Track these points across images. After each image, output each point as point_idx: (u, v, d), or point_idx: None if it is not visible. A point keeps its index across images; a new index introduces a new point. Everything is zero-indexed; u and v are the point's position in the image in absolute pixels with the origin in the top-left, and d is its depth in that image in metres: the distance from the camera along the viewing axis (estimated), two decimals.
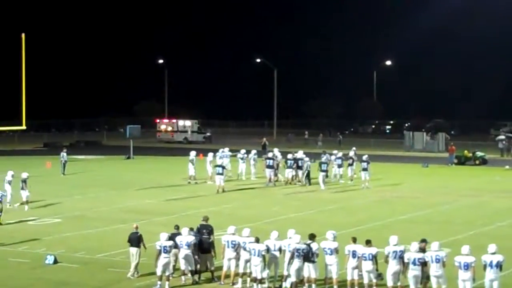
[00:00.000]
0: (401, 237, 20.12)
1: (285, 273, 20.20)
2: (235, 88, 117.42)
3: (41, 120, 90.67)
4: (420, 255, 19.13)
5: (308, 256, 19.82)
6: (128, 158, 59.72)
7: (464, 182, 46.05)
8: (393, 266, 19.29)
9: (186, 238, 20.93)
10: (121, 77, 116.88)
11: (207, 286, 21.00)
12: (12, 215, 31.28)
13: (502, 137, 67.83)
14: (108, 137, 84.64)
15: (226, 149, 46.18)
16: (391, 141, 79.08)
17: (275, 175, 43.00)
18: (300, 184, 42.37)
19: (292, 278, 19.96)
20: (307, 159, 43.26)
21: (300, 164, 42.71)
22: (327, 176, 41.86)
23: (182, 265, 21.09)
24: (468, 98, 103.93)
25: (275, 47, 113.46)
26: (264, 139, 64.29)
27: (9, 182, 34.23)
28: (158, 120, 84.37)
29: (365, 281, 19.73)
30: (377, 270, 19.70)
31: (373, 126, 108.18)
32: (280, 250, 20.42)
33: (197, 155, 45.30)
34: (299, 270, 19.91)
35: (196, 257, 21.17)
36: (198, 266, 21.32)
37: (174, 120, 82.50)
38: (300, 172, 42.67)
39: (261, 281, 20.22)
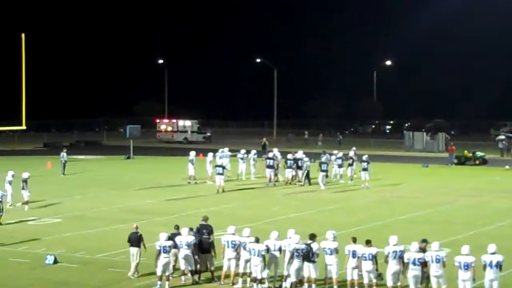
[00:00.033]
0: (401, 237, 20.13)
1: (285, 273, 20.21)
2: (235, 88, 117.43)
3: (41, 120, 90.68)
4: (420, 255, 19.13)
5: (308, 256, 19.83)
6: (128, 158, 59.72)
7: (464, 182, 46.05)
8: (393, 266, 19.30)
9: (186, 238, 20.93)
10: (121, 77, 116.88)
11: (207, 286, 21.00)
12: (12, 215, 31.28)
13: (502, 137, 67.84)
14: (108, 137, 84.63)
15: (226, 149, 46.18)
16: (391, 141, 79.08)
17: (275, 175, 43.01)
18: (299, 184, 42.38)
19: (292, 278, 19.97)
20: (306, 159, 43.28)
21: (300, 164, 42.74)
22: (327, 176, 41.87)
23: (182, 265, 21.09)
24: (468, 98, 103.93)
25: (275, 47, 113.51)
26: (264, 139, 64.30)
27: (10, 182, 34.24)
28: (158, 120, 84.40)
29: (365, 281, 19.73)
30: (377, 270, 19.71)
31: (373, 126, 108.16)
32: (280, 250, 20.43)
33: (197, 155, 45.33)
34: (299, 270, 19.92)
35: (196, 257, 21.17)
36: (198, 266, 21.32)
37: (174, 120, 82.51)
38: (300, 172, 42.70)
39: (261, 281, 20.23)
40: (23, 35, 36.78)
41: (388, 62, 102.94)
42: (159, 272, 20.49)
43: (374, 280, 19.69)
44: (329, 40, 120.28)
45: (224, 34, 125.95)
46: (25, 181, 33.65)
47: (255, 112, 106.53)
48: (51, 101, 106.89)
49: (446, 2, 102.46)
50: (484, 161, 57.59)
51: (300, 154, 43.72)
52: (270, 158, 42.90)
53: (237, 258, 20.72)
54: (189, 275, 21.12)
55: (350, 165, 44.06)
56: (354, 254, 19.78)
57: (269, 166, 42.49)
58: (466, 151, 58.55)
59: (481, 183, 45.54)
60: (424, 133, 73.16)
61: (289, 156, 43.41)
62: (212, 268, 21.43)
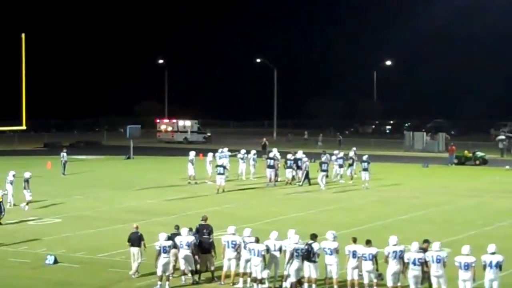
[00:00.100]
0: (401, 237, 20.15)
1: (285, 273, 20.22)
2: (235, 88, 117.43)
3: (41, 120, 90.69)
4: (420, 255, 19.13)
5: (309, 256, 19.84)
6: (128, 158, 59.74)
7: (464, 182, 46.08)
8: (393, 266, 19.31)
9: (186, 238, 20.94)
10: (122, 77, 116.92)
11: (207, 286, 21.01)
12: (13, 215, 31.29)
13: (502, 137, 67.87)
14: (108, 137, 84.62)
15: (225, 149, 46.19)
16: (391, 141, 79.10)
17: (276, 175, 43.01)
18: (298, 184, 42.39)
19: (292, 278, 19.98)
20: (305, 159, 43.29)
21: (299, 164, 42.75)
22: (327, 176, 41.89)
23: (182, 265, 21.10)
24: (468, 98, 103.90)
25: (275, 47, 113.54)
26: (264, 139, 64.32)
27: (11, 182, 34.26)
28: (158, 120, 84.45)
29: (365, 281, 19.74)
30: (377, 270, 19.71)
31: (373, 126, 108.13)
32: (280, 250, 20.45)
33: (196, 155, 45.35)
34: (299, 270, 19.93)
35: (196, 257, 21.18)
36: (198, 266, 21.33)
37: (174, 120, 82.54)
38: (300, 172, 42.71)
39: (261, 281, 20.24)
40: (23, 35, 36.78)
41: (388, 62, 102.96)
42: (159, 272, 20.50)
43: (375, 280, 19.69)
44: (329, 40, 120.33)
45: (224, 34, 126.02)
46: (26, 180, 33.67)
47: (255, 112, 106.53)
48: (51, 101, 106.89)
49: (446, 2, 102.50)
50: (484, 161, 57.60)
51: (300, 154, 43.74)
52: (270, 158, 42.91)
53: (238, 258, 20.73)
54: (189, 275, 21.14)
55: (351, 165, 44.11)
56: (354, 254, 19.79)
57: (269, 166, 42.48)
58: (466, 151, 58.56)
59: (481, 183, 45.56)
60: (424, 133, 73.20)
61: (289, 156, 43.42)
62: (212, 268, 21.44)
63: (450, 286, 18.96)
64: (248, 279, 20.55)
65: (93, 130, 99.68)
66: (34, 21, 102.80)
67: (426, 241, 19.91)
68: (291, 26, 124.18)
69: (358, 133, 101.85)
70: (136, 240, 21.72)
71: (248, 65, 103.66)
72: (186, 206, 34.47)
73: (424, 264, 19.03)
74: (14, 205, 33.87)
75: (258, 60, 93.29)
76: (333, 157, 44.58)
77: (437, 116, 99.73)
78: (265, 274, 20.25)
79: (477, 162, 57.31)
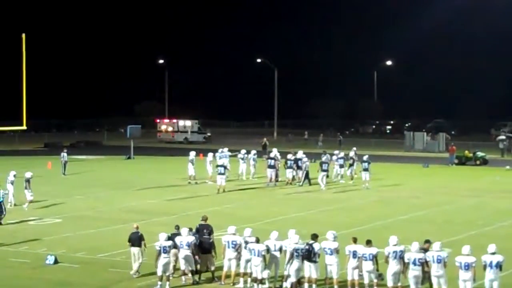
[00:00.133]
0: (401, 237, 20.15)
1: (286, 273, 20.23)
2: (235, 88, 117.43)
3: (42, 120, 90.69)
4: (421, 255, 19.13)
5: (310, 256, 19.84)
6: (129, 158, 59.76)
7: (465, 182, 46.09)
8: (393, 266, 19.31)
9: (186, 238, 20.94)
10: (122, 77, 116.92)
11: (207, 286, 21.02)
12: (13, 215, 31.29)
13: (503, 137, 67.84)
14: (109, 137, 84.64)
15: (226, 149, 46.20)
16: (391, 141, 79.13)
17: (276, 175, 43.01)
18: (298, 184, 42.39)
19: (292, 278, 19.98)
20: (306, 159, 43.30)
21: (300, 164, 42.75)
22: (327, 176, 41.89)
23: (182, 265, 21.11)
24: (468, 98, 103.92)
25: (275, 47, 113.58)
26: (265, 139, 64.31)
27: (12, 182, 34.28)
28: (158, 120, 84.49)
29: (366, 281, 19.75)
30: (377, 270, 19.72)
31: (374, 126, 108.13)
32: (280, 250, 20.45)
33: (197, 155, 45.37)
34: (299, 270, 19.94)
35: (197, 257, 21.19)
36: (198, 266, 21.34)
37: (175, 120, 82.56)
38: (300, 172, 42.72)
39: (261, 281, 20.25)
40: (23, 35, 36.77)
41: (388, 62, 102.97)
42: (159, 272, 20.51)
43: (375, 280, 19.69)
44: (329, 40, 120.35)
45: (224, 34, 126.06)
46: (28, 180, 33.70)
47: (256, 112, 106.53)
48: (51, 101, 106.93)
49: (446, 2, 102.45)
50: (484, 161, 57.60)
51: (300, 154, 43.74)
52: (271, 158, 42.91)
53: (238, 258, 20.74)
54: (190, 275, 21.14)
55: (351, 165, 44.12)
56: (354, 254, 19.79)
57: (270, 166, 42.48)
58: (466, 151, 58.56)
59: (481, 184, 45.56)
60: (425, 133, 73.19)
61: (290, 156, 43.42)
62: (213, 268, 21.44)
63: (450, 286, 18.97)
64: (249, 279, 20.56)
65: (93, 130, 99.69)
66: (35, 21, 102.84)
67: (427, 241, 19.91)
68: (291, 26, 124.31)
69: (359, 133, 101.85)
70: (136, 240, 21.73)
71: (248, 65, 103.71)
72: (186, 206, 34.48)
73: (424, 264, 19.04)
74: (15, 205, 33.91)
75: (259, 60, 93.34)
76: (334, 157, 44.60)
77: (438, 116, 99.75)
78: (266, 274, 20.27)
79: (478, 162, 57.31)
